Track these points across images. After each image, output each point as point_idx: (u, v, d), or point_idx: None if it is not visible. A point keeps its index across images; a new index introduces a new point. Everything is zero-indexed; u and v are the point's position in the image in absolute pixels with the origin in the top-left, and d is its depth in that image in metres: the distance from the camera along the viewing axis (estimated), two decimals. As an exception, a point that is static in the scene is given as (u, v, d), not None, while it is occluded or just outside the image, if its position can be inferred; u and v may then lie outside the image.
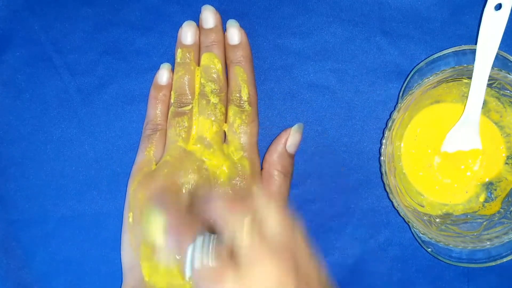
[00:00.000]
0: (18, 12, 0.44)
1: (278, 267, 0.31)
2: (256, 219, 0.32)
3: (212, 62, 0.41)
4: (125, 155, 0.44)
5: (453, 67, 0.39)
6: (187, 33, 0.42)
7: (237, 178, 0.39)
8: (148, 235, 0.37)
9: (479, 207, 0.42)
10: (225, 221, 0.32)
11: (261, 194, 0.34)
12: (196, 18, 0.43)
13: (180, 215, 0.37)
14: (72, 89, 0.44)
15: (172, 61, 0.43)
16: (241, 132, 0.40)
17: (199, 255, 0.31)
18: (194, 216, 0.37)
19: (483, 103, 0.42)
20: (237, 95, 0.41)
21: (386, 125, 0.40)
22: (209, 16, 0.42)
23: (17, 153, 0.44)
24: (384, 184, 0.40)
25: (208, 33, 0.42)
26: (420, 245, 0.41)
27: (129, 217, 0.40)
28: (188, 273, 0.32)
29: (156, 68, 0.43)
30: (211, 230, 0.35)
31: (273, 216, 0.32)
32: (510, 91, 0.40)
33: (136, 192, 0.40)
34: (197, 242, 0.32)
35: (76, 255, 0.44)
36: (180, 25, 0.42)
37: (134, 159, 0.42)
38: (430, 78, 0.39)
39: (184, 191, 0.39)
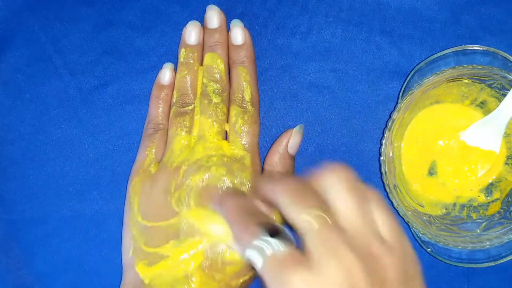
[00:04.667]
0: (18, 12, 0.44)
1: (348, 264, 0.28)
2: (328, 209, 0.29)
3: (215, 62, 0.41)
4: (125, 155, 0.44)
5: (453, 67, 0.39)
6: (191, 33, 0.42)
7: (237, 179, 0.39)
8: (207, 232, 0.37)
9: (479, 207, 0.42)
10: (292, 210, 0.29)
11: (336, 184, 0.30)
12: (195, 18, 0.43)
13: (240, 204, 0.33)
14: (72, 89, 0.44)
15: (172, 61, 0.43)
16: (243, 132, 0.40)
17: (268, 244, 0.29)
18: (253, 207, 0.33)
19: (484, 103, 0.42)
20: (240, 95, 0.41)
21: (386, 125, 0.40)
22: (213, 16, 0.42)
23: (17, 153, 0.44)
24: (384, 184, 0.40)
25: (212, 33, 0.42)
26: (420, 245, 0.41)
27: (129, 218, 0.40)
28: (259, 263, 0.29)
29: (156, 68, 0.43)
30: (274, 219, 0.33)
31: (351, 208, 0.29)
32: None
33: (136, 191, 0.40)
34: (263, 232, 0.30)
35: (76, 255, 0.44)
36: (180, 25, 0.42)
37: (135, 159, 0.42)
38: (430, 78, 0.39)
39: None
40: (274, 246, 0.29)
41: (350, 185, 0.30)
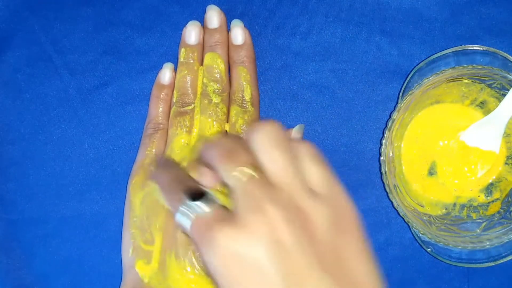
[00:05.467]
0: (18, 12, 0.44)
1: (272, 219, 0.27)
2: (257, 167, 0.29)
3: (215, 62, 0.41)
4: (125, 155, 0.44)
5: (453, 67, 0.39)
6: (191, 33, 0.42)
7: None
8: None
9: (479, 207, 0.42)
10: (224, 169, 0.29)
11: (265, 142, 0.30)
12: (195, 18, 0.43)
13: (171, 172, 0.34)
14: (72, 89, 0.44)
15: (172, 61, 0.43)
16: (243, 132, 0.40)
17: (192, 208, 0.29)
18: (182, 175, 0.33)
19: (484, 103, 0.42)
20: (240, 95, 0.41)
21: (386, 125, 0.40)
22: (213, 16, 0.42)
23: (17, 153, 0.44)
24: (384, 184, 0.40)
25: (212, 33, 0.42)
26: (420, 245, 0.41)
27: (129, 217, 0.40)
28: (187, 227, 0.29)
29: (156, 68, 0.43)
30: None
31: (279, 164, 0.29)
32: (510, 91, 0.40)
33: (137, 191, 0.40)
34: (187, 197, 0.30)
35: (76, 255, 0.44)
36: (180, 25, 0.42)
37: (135, 158, 0.42)
38: (430, 78, 0.39)
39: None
40: (197, 209, 0.29)
41: (279, 142, 0.30)
